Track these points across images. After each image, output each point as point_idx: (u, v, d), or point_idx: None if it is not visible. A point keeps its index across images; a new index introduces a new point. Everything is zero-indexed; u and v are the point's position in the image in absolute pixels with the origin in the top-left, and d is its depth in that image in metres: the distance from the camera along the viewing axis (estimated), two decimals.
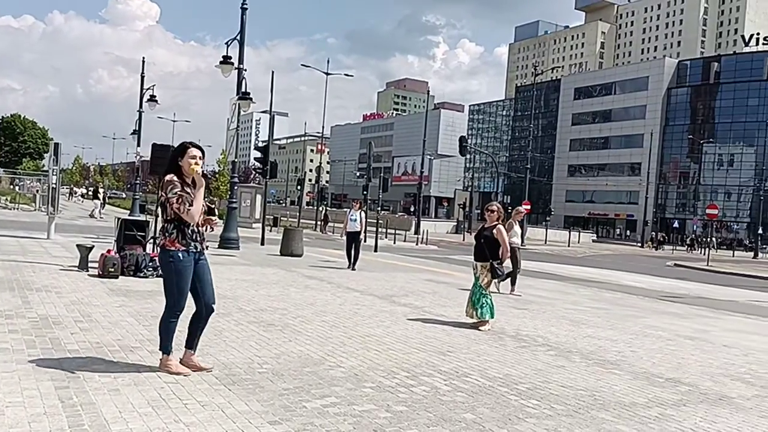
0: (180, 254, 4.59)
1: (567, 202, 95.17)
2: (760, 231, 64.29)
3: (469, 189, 79.22)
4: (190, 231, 4.63)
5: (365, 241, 17.48)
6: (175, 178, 4.59)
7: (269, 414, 4.01)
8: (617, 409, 4.80)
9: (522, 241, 20.06)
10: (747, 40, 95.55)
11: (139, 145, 29.72)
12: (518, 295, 11.86)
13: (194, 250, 4.65)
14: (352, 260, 14.64)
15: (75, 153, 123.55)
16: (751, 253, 60.26)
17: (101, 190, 39.57)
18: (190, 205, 4.57)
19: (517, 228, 12.50)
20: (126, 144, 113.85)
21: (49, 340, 5.49)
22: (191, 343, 4.83)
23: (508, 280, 12.07)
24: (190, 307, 4.78)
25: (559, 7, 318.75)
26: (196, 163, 4.62)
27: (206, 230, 4.84)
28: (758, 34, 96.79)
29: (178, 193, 4.54)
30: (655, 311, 11.69)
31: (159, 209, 4.72)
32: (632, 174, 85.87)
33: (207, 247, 4.83)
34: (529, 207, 38.52)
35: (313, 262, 15.97)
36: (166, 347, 4.74)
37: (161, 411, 3.90)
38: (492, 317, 7.98)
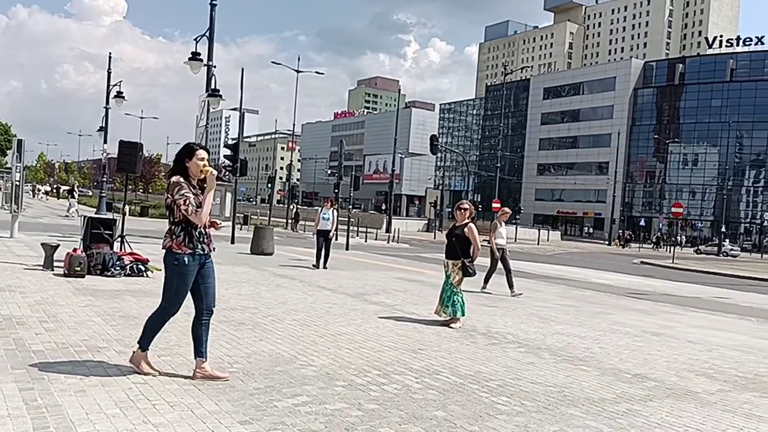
0: (186, 258, 4.53)
1: (536, 201, 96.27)
2: (723, 229, 65.83)
3: (440, 187, 79.67)
4: (197, 233, 4.57)
5: (336, 239, 17.43)
6: (182, 180, 4.53)
7: (240, 414, 3.98)
8: (586, 405, 4.87)
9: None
10: (710, 42, 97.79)
11: (105, 142, 29.24)
12: (507, 293, 11.97)
13: (200, 253, 4.59)
14: (323, 259, 14.59)
15: (39, 150, 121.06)
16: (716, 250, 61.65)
17: (76, 189, 38.94)
18: (199, 206, 4.50)
19: (502, 229, 12.37)
20: (92, 141, 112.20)
21: (12, 340, 5.37)
22: (199, 350, 4.70)
23: (501, 279, 12.19)
24: (187, 312, 4.71)
25: (529, 8, 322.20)
26: (206, 165, 4.58)
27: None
28: (721, 36, 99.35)
29: (185, 194, 4.48)
30: (622, 308, 11.87)
31: (167, 211, 4.62)
32: (600, 173, 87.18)
33: (214, 249, 4.76)
34: (500, 205, 38.92)
35: (284, 261, 15.89)
36: (145, 344, 4.67)
37: (129, 412, 3.84)
38: (463, 315, 8.03)
